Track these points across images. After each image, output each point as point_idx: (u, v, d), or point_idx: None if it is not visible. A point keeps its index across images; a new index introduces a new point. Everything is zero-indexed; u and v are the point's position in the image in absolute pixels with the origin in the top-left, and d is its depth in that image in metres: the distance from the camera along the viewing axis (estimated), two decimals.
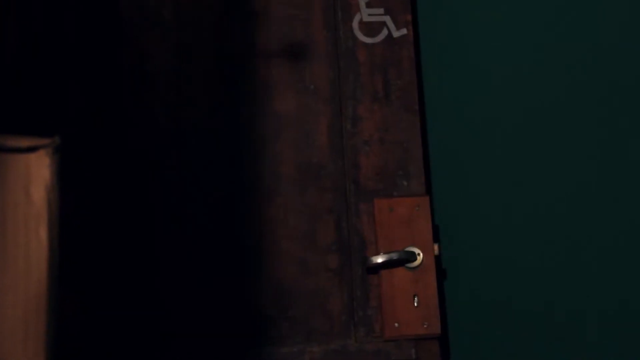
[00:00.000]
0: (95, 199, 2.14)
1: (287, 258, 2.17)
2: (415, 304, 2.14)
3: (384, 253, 2.13)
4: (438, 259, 2.21)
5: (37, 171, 1.30)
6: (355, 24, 2.24)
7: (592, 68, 2.32)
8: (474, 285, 2.29)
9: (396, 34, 2.24)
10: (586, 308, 2.25)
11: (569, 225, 2.28)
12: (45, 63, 2.16)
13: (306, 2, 2.24)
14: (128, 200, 2.15)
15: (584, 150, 2.30)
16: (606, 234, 2.27)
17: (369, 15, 2.24)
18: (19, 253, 1.29)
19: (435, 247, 2.16)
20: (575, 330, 2.24)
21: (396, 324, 2.13)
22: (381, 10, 2.25)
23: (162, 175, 2.17)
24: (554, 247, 2.28)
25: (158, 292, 2.13)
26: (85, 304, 2.10)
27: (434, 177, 2.30)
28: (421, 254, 2.15)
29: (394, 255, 2.12)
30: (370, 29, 2.24)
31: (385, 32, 2.24)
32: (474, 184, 2.30)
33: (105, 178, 2.15)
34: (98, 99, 2.18)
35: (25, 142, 1.30)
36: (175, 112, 2.19)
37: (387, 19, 2.25)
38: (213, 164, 2.18)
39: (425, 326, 2.13)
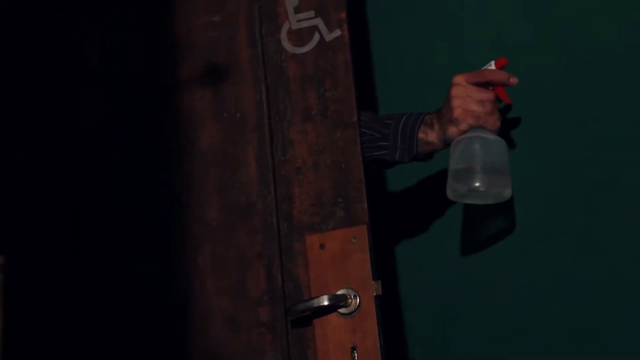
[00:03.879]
0: None
1: (215, 315, 1.85)
2: (354, 359, 1.73)
3: (304, 300, 1.75)
4: (396, 299, 1.79)
5: None
6: (283, 35, 1.91)
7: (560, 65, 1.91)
8: (443, 328, 1.84)
9: (329, 37, 1.89)
10: None
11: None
12: None
13: (229, 20, 1.96)
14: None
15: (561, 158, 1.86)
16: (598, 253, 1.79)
17: (298, 21, 1.91)
18: None
19: (376, 285, 1.75)
20: None
21: None
22: (311, 13, 1.91)
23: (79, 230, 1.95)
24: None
25: None
26: None
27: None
28: (357, 296, 1.75)
29: (317, 302, 1.74)
30: (300, 36, 1.91)
31: (317, 37, 1.89)
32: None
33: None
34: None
35: None
36: (101, 157, 1.98)
37: (319, 21, 1.90)
38: (139, 212, 1.93)
39: None
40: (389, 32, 2.05)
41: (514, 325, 1.88)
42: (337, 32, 1.88)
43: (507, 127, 1.94)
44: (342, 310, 1.75)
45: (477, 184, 1.78)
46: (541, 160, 1.93)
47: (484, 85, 1.83)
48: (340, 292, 1.75)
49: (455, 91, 1.82)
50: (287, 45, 1.91)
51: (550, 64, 1.93)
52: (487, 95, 1.82)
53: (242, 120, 1.91)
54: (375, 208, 1.82)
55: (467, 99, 1.81)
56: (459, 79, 1.83)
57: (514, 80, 1.83)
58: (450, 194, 1.80)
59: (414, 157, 1.88)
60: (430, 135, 1.86)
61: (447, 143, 1.84)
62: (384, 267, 1.82)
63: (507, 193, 1.79)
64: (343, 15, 1.88)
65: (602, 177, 1.88)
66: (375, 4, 2.07)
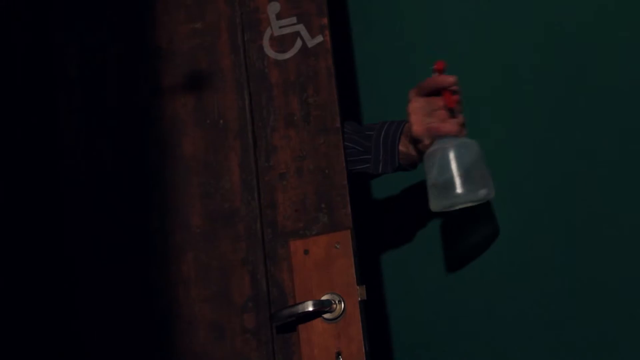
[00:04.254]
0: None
1: (200, 322, 1.85)
2: None
3: (289, 306, 1.75)
4: (381, 304, 1.79)
5: None
6: (265, 41, 1.91)
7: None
8: (428, 333, 1.84)
9: (311, 43, 1.89)
10: None
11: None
12: None
13: (211, 27, 1.95)
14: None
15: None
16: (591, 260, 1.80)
17: (280, 27, 1.91)
18: None
19: (361, 290, 1.74)
20: None
21: None
22: (293, 19, 1.91)
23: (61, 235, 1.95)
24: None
25: None
26: None
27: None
28: (342, 301, 1.74)
29: (302, 307, 1.73)
30: (283, 43, 1.91)
31: (299, 43, 1.89)
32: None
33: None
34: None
35: None
36: (80, 164, 1.97)
37: (301, 27, 1.90)
38: (122, 219, 1.92)
39: None
40: (371, 38, 2.05)
41: (499, 329, 1.88)
42: (319, 38, 1.89)
43: (489, 132, 1.94)
44: (327, 315, 1.75)
45: (458, 192, 1.76)
46: (525, 168, 1.93)
47: (435, 93, 1.81)
48: (324, 297, 1.75)
49: (409, 108, 1.80)
50: (269, 51, 1.91)
51: (535, 64, 1.94)
52: (437, 104, 1.80)
53: (225, 126, 1.91)
54: (361, 214, 1.82)
55: (419, 113, 1.79)
56: (410, 94, 1.81)
57: (450, 79, 1.78)
58: (433, 207, 1.79)
59: (397, 168, 1.88)
60: (410, 148, 1.85)
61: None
62: (369, 272, 1.82)
63: (489, 192, 1.77)
64: (325, 21, 1.89)
65: (589, 183, 1.89)
66: (357, 9, 2.07)
